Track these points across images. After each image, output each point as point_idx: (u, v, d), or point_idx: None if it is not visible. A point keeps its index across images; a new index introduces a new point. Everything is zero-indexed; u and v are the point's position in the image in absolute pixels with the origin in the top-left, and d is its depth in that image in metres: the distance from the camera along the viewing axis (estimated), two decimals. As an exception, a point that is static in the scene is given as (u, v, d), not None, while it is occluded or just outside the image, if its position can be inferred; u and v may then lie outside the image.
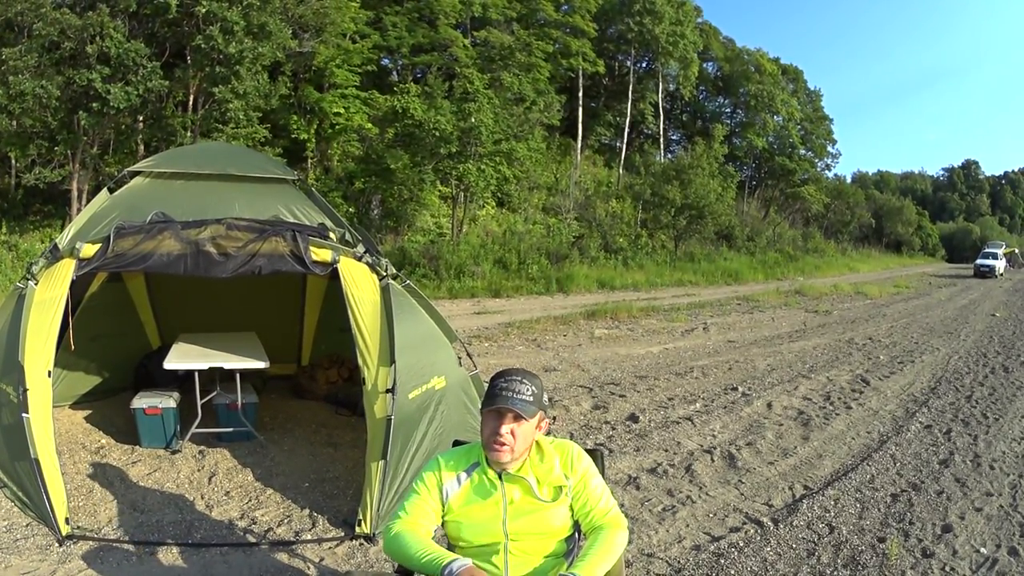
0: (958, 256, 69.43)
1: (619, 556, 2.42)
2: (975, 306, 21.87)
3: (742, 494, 5.36)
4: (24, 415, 4.11)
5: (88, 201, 7.72)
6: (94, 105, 16.87)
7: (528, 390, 2.37)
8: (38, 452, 4.13)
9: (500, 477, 2.45)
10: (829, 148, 52.67)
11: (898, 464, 6.06)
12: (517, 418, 2.35)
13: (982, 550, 4.36)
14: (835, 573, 4.04)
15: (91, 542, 4.11)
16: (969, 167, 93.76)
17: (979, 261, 41.99)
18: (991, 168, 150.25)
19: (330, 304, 7.51)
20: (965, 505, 5.10)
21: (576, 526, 2.54)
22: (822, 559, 4.23)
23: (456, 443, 2.76)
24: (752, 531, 4.65)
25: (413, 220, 25.09)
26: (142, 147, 19.24)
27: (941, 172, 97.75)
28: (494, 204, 29.41)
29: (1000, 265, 41.24)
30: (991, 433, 7.03)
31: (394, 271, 5.04)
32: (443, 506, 2.48)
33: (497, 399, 2.35)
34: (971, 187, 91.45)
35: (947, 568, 4.11)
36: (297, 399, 7.38)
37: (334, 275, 4.82)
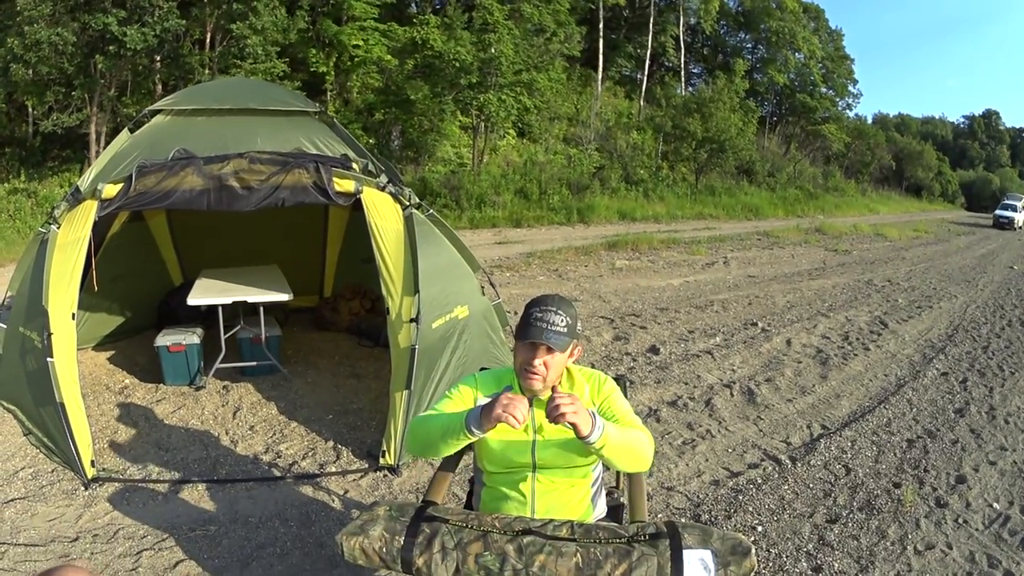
0: (977, 205, 67.92)
1: (640, 453, 2.31)
2: (993, 256, 21.53)
3: (760, 430, 5.42)
4: (49, 359, 4.10)
5: (107, 144, 7.65)
6: (110, 48, 16.55)
7: (563, 320, 2.32)
8: (63, 396, 4.11)
9: (531, 403, 2.40)
10: (850, 88, 51.45)
11: (914, 409, 6.08)
12: (550, 350, 2.31)
13: (995, 505, 4.34)
14: (851, 516, 4.08)
15: (117, 484, 4.12)
16: (990, 117, 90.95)
17: (999, 212, 41.04)
18: (1012, 120, 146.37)
19: (352, 235, 7.52)
20: (979, 457, 5.09)
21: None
22: (838, 500, 4.27)
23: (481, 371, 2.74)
24: (770, 468, 4.72)
25: (433, 151, 24.74)
26: (160, 87, 18.96)
27: (962, 119, 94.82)
28: (515, 135, 29.03)
29: (1019, 218, 40.26)
30: (1007, 387, 6.97)
31: (417, 200, 5.00)
32: None
33: (531, 330, 2.30)
34: (991, 137, 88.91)
35: (960, 520, 4.11)
36: (320, 331, 7.43)
37: (356, 206, 4.78)
